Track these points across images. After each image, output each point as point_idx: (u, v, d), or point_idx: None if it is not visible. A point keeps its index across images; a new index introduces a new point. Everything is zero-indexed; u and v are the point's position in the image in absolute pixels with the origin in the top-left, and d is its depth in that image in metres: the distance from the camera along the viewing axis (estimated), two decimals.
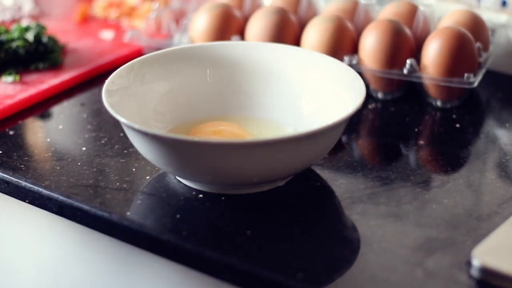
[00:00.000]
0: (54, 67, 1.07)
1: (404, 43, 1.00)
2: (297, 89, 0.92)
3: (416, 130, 0.97)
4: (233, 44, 0.95)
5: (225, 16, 1.06)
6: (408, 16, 1.05)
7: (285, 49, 0.94)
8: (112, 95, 0.85)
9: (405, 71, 1.00)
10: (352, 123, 0.95)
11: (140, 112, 0.88)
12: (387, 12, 1.06)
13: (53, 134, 0.96)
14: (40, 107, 1.00)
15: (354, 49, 1.03)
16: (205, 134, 0.85)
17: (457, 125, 0.97)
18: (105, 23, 1.21)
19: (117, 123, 0.84)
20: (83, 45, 1.13)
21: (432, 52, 0.99)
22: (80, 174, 0.86)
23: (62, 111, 1.00)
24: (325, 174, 0.86)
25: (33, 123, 0.97)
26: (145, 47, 1.11)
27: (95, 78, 1.07)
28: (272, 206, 0.82)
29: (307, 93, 0.91)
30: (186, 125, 0.90)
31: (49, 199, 0.84)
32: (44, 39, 1.07)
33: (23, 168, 0.87)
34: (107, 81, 0.86)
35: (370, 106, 1.01)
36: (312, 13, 1.09)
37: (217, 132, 0.86)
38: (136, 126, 0.78)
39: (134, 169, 0.87)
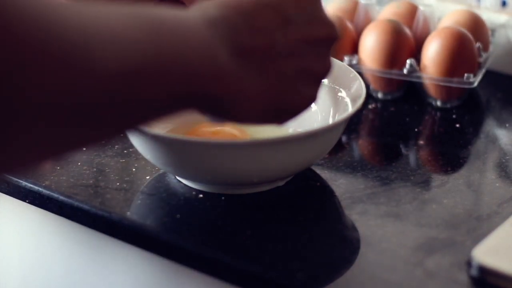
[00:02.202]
0: None
1: (404, 43, 1.00)
2: None
3: (416, 130, 0.97)
4: None
5: None
6: (408, 16, 1.05)
7: None
8: None
9: (405, 71, 1.00)
10: (352, 123, 0.95)
11: None
12: (387, 12, 1.06)
13: None
14: None
15: (354, 49, 1.03)
16: (203, 134, 0.85)
17: (457, 125, 0.97)
18: None
19: None
20: None
21: (432, 52, 0.99)
22: (80, 174, 0.86)
23: None
24: (325, 174, 0.86)
25: None
26: None
27: None
28: (272, 206, 0.82)
29: None
30: (186, 125, 0.90)
31: (49, 199, 0.84)
32: None
33: None
34: None
35: (370, 106, 1.01)
36: None
37: (215, 132, 0.85)
38: None
39: (134, 169, 0.87)
